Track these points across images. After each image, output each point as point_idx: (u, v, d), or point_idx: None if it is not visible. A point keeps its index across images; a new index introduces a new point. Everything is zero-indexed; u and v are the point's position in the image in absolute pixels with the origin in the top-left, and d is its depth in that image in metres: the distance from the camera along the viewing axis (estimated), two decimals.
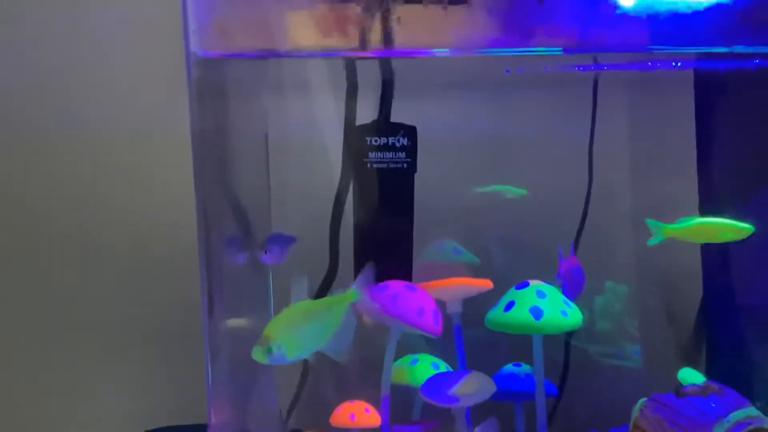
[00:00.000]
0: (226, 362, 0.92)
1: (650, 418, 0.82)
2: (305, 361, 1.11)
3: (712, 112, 1.02)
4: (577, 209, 1.13)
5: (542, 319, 0.87)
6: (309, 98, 1.04)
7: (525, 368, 0.98)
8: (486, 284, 0.96)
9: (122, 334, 1.24)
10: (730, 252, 1.01)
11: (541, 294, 0.89)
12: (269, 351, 0.81)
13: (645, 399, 0.83)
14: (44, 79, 1.22)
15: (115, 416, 1.25)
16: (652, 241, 0.94)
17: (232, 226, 0.97)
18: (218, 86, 0.88)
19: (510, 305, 0.89)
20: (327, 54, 0.93)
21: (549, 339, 1.06)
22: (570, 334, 1.14)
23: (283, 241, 0.97)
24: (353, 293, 0.86)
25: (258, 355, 0.82)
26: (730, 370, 0.98)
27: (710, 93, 1.02)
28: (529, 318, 0.87)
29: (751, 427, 0.78)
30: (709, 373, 0.97)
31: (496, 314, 0.90)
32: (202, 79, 0.80)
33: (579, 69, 0.97)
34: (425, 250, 1.07)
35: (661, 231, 0.93)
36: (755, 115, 0.97)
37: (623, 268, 1.15)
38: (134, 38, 1.20)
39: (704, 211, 1.04)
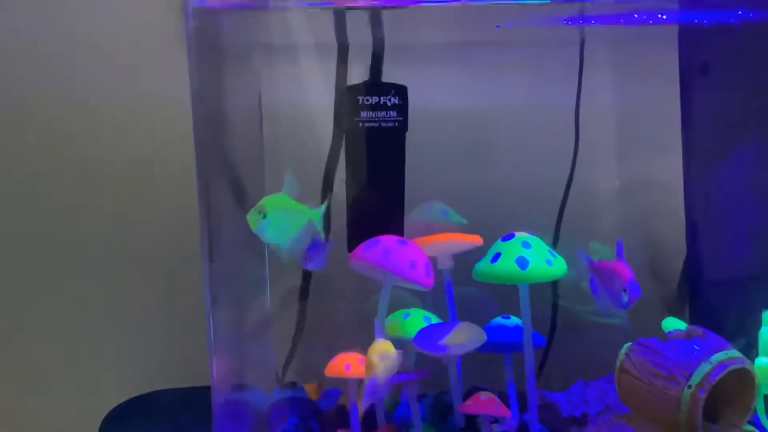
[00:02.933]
0: (227, 319, 0.93)
1: (636, 361, 0.84)
2: (300, 317, 1.14)
3: (695, 70, 1.05)
4: (564, 170, 1.16)
5: (528, 269, 0.89)
6: (301, 59, 1.06)
7: (513, 320, 1.00)
8: (476, 240, 0.98)
9: (124, 300, 1.26)
10: (712, 209, 1.04)
11: (526, 245, 0.91)
12: (264, 216, 0.89)
13: (630, 343, 0.86)
14: (29, 46, 1.21)
15: (118, 377, 1.26)
16: None
17: (227, 188, 0.98)
18: (214, 43, 0.89)
19: (497, 257, 0.91)
20: (317, 4, 0.94)
21: (537, 299, 1.09)
22: (557, 294, 1.17)
23: (322, 247, 0.98)
24: (317, 213, 0.94)
25: (252, 218, 0.89)
26: (712, 323, 1.01)
27: (694, 50, 1.04)
28: (515, 268, 0.89)
29: (732, 368, 0.81)
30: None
31: (484, 266, 0.92)
32: (199, 33, 0.81)
33: (566, 23, 0.98)
34: (413, 211, 1.09)
35: None
36: (738, 71, 0.99)
37: (610, 228, 1.18)
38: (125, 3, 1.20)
39: (688, 170, 1.06)
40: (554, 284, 1.15)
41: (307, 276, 1.13)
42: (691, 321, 1.06)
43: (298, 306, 1.14)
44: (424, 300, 1.03)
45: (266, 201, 0.91)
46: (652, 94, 1.12)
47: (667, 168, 1.13)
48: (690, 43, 1.05)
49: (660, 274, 1.15)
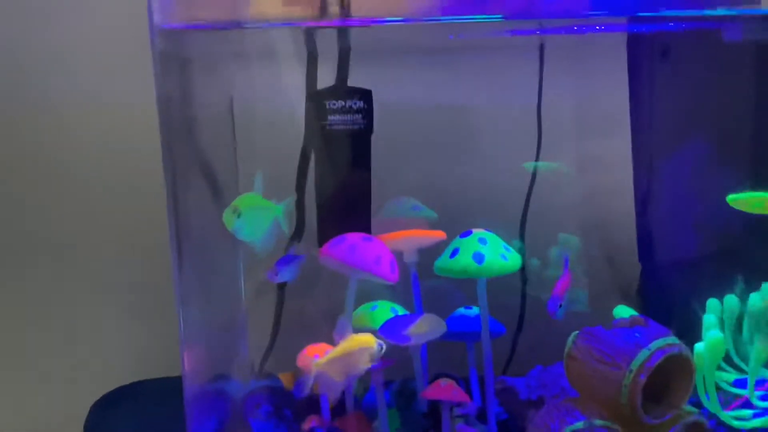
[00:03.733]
0: (198, 310, 0.98)
1: (582, 348, 0.90)
2: (278, 309, 1.20)
3: (642, 73, 1.10)
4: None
5: (484, 263, 0.95)
6: (273, 66, 1.11)
7: (475, 310, 1.05)
8: (440, 235, 1.03)
9: (112, 290, 1.31)
10: (657, 201, 1.09)
11: (482, 241, 0.96)
12: (238, 215, 0.94)
13: (577, 332, 0.92)
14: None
15: (104, 367, 1.31)
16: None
17: (200, 189, 1.03)
18: (183, 57, 0.94)
19: (455, 252, 0.97)
20: (288, 24, 0.98)
21: (506, 289, 1.14)
22: (525, 283, 1.23)
23: (292, 260, 1.04)
24: (280, 209, 1.00)
25: (228, 218, 0.95)
26: (661, 306, 1.07)
27: (640, 55, 1.10)
28: (471, 263, 0.95)
29: (669, 354, 0.87)
30: (644, 310, 1.05)
31: (443, 261, 0.97)
32: (165, 51, 0.86)
33: (515, 34, 1.04)
34: (385, 206, 1.14)
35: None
36: (679, 73, 1.05)
37: (570, 221, 1.23)
38: (98, 11, 1.24)
39: (637, 167, 1.12)
40: (522, 275, 1.21)
41: None
42: (644, 308, 1.12)
43: (276, 298, 1.19)
44: (394, 293, 1.09)
45: (239, 201, 0.97)
46: (606, 90, 1.17)
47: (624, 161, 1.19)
48: (636, 48, 1.10)
49: (619, 265, 1.20)
